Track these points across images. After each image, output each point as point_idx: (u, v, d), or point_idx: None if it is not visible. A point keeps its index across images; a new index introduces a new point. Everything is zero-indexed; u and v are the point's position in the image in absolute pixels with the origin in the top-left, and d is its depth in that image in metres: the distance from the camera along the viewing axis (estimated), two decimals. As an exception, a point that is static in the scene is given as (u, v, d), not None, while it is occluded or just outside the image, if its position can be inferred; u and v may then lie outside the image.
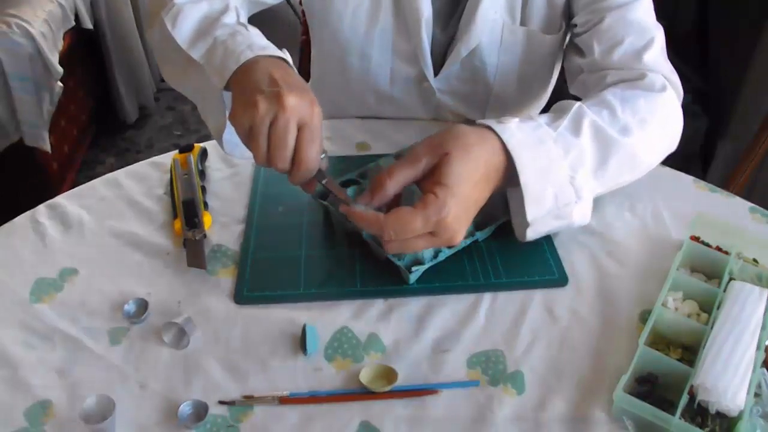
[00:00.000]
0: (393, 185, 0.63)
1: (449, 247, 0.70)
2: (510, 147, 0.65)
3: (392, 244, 0.61)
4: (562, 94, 0.96)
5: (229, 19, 0.72)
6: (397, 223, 0.60)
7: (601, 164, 0.70)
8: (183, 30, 0.71)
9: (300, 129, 0.60)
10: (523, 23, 0.86)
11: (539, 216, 0.67)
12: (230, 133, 0.67)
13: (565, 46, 0.92)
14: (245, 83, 0.62)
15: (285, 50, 0.69)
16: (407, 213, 0.60)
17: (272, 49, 0.66)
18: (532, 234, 0.69)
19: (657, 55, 0.79)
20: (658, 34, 0.80)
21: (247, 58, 0.64)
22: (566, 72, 0.91)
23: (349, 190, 0.78)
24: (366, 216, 0.62)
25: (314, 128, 0.60)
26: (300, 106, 0.59)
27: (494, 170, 0.65)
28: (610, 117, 0.71)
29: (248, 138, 0.60)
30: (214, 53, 0.67)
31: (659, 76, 0.77)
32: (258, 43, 0.66)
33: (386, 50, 0.90)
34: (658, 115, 0.75)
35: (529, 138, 0.66)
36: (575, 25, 0.85)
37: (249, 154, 0.62)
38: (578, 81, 0.86)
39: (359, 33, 0.88)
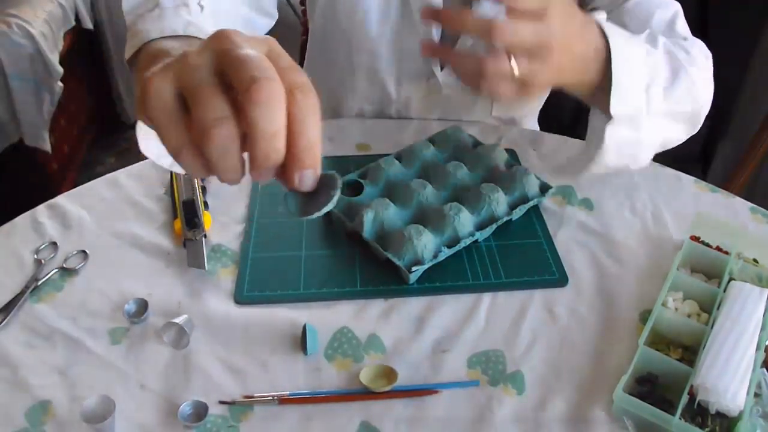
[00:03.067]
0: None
1: (449, 246, 0.70)
2: (605, 28, 0.61)
3: (499, 23, 0.52)
4: (562, 91, 0.96)
5: None
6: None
7: (671, 83, 0.67)
8: None
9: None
10: None
11: (621, 114, 0.62)
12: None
13: None
14: (146, 66, 0.44)
15: None
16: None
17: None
18: (609, 140, 0.63)
19: (685, 24, 0.79)
20: (678, 6, 0.79)
21: (174, 33, 0.48)
22: None
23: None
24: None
25: (282, 52, 0.38)
26: (248, 37, 0.38)
27: (590, 37, 0.60)
28: (675, 48, 0.70)
29: (175, 114, 0.37)
30: (143, 19, 0.52)
31: (693, 41, 0.76)
32: (202, 24, 0.52)
33: (395, 48, 0.90)
34: (707, 64, 0.74)
35: (622, 30, 0.63)
36: (594, 9, 0.84)
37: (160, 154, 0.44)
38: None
39: (369, 31, 0.88)
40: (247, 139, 0.35)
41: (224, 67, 0.36)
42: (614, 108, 0.62)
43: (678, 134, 0.72)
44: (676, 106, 0.68)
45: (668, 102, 0.67)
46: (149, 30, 0.50)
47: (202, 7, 0.58)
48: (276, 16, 0.85)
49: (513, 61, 0.54)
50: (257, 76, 0.34)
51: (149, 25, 0.51)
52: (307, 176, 0.37)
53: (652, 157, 0.71)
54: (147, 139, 0.46)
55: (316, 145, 0.36)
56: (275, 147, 0.35)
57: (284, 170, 0.36)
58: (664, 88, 0.66)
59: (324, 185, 0.38)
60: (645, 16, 0.78)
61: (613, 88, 0.60)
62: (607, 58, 0.61)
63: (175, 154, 0.37)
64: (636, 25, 0.78)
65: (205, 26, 0.52)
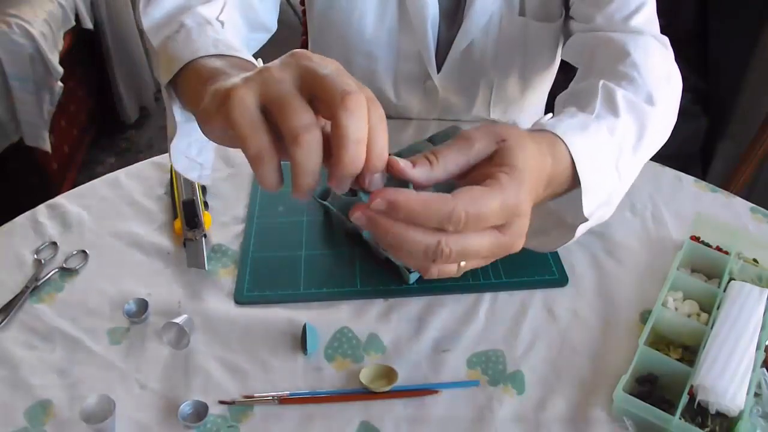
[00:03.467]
0: (439, 170, 0.45)
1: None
2: (560, 133, 0.54)
3: (452, 238, 0.42)
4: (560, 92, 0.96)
5: (208, 10, 0.60)
6: (471, 202, 0.42)
7: (639, 139, 0.62)
8: (153, 13, 0.60)
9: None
10: (521, 13, 0.86)
11: (594, 206, 0.57)
12: (182, 141, 0.56)
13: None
14: (200, 84, 0.47)
15: (260, 60, 0.57)
16: (482, 191, 0.43)
17: (243, 53, 0.53)
18: (582, 231, 0.59)
19: (648, 20, 0.76)
20: (649, 1, 0.76)
21: (207, 53, 0.50)
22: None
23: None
24: (428, 199, 0.41)
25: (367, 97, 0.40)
26: (321, 63, 0.41)
27: (556, 163, 0.53)
28: (634, 88, 0.65)
29: (230, 137, 0.41)
30: (172, 42, 0.54)
31: (648, 37, 0.73)
32: (228, 40, 0.54)
33: (392, 50, 0.90)
34: (669, 74, 0.71)
35: (574, 123, 0.57)
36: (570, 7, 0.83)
37: (203, 165, 0.53)
38: (567, 45, 0.83)
39: (366, 34, 0.88)
40: (330, 147, 0.39)
41: (310, 82, 0.40)
42: (587, 209, 0.56)
43: (648, 158, 0.66)
44: (647, 150, 0.64)
45: (638, 155, 0.63)
46: (182, 52, 0.52)
47: (222, 23, 0.60)
48: (274, 29, 0.82)
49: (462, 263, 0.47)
50: (348, 89, 0.38)
51: (182, 48, 0.53)
52: (377, 179, 0.42)
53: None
54: (178, 151, 0.55)
55: (385, 151, 0.41)
56: (360, 152, 0.39)
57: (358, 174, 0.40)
58: (633, 147, 0.62)
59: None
60: (600, 3, 0.76)
61: (583, 195, 0.55)
62: (571, 162, 0.54)
63: (255, 161, 0.40)
64: (590, 8, 0.77)
65: (232, 42, 0.54)
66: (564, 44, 0.86)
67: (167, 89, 0.55)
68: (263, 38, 0.81)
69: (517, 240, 0.47)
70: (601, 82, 0.64)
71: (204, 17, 0.58)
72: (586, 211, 0.56)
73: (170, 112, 0.56)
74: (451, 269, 0.46)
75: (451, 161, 0.46)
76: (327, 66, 0.41)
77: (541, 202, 0.53)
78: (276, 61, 0.42)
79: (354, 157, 0.39)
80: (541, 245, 0.62)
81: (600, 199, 0.57)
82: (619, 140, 0.60)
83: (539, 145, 0.52)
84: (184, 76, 0.51)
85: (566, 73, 0.92)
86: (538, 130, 0.56)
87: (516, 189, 0.45)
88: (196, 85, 0.49)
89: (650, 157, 0.66)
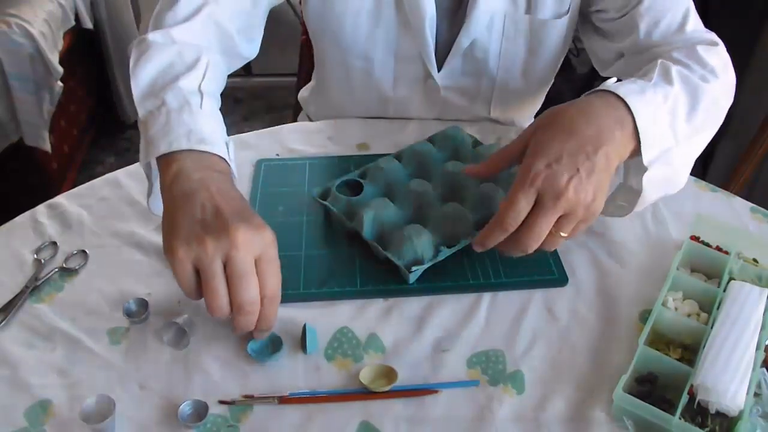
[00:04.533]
0: (488, 166, 0.68)
1: (448, 246, 0.70)
2: (621, 94, 0.64)
3: (521, 241, 0.61)
4: (559, 93, 0.96)
5: (189, 82, 0.66)
6: (505, 209, 0.59)
7: (692, 109, 0.69)
8: (141, 77, 0.67)
9: (258, 263, 0.55)
10: (527, 11, 0.86)
11: (653, 158, 0.65)
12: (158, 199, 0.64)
13: (586, 35, 0.90)
14: (177, 199, 0.57)
15: (230, 142, 0.65)
16: (509, 195, 0.60)
17: (214, 144, 0.61)
18: (647, 185, 0.66)
19: (696, 20, 0.79)
20: (689, 3, 0.80)
21: (180, 147, 0.60)
22: (596, 59, 0.90)
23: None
24: (488, 231, 0.61)
25: (273, 258, 0.57)
26: (253, 238, 0.55)
27: (606, 107, 0.64)
28: (689, 69, 0.71)
29: (193, 284, 0.55)
30: (154, 120, 0.63)
31: (705, 39, 0.78)
32: (201, 130, 0.62)
33: (389, 51, 0.90)
34: (723, 62, 0.75)
35: (633, 87, 0.66)
36: (601, 11, 0.84)
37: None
38: (618, 65, 0.85)
39: (361, 35, 0.88)
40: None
41: (227, 271, 0.54)
42: (647, 158, 0.64)
43: (707, 140, 0.73)
44: (702, 123, 0.70)
45: (693, 123, 0.69)
46: (158, 141, 0.61)
47: (202, 95, 0.66)
48: (252, 56, 0.84)
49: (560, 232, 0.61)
50: (243, 304, 0.55)
51: (158, 136, 0.61)
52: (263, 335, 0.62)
53: (688, 175, 0.72)
54: (155, 206, 0.67)
55: (270, 326, 0.59)
56: (249, 326, 0.57)
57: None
58: (687, 114, 0.68)
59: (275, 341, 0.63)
60: (657, 19, 0.78)
61: (642, 144, 0.63)
62: (632, 117, 0.63)
63: (188, 296, 0.57)
64: (648, 26, 0.79)
65: (205, 128, 0.62)
66: (600, 61, 0.89)
67: (143, 166, 0.64)
68: (243, 63, 0.83)
69: (579, 200, 0.59)
70: (659, 60, 0.72)
71: (184, 95, 0.64)
72: (645, 159, 0.64)
73: (148, 177, 0.66)
74: (556, 243, 0.62)
75: (497, 158, 0.67)
76: (246, 262, 0.54)
77: (617, 154, 0.62)
78: (213, 241, 0.54)
79: (245, 329, 0.57)
80: (615, 210, 0.73)
81: (657, 151, 0.65)
82: (672, 106, 0.67)
83: (577, 103, 0.64)
84: (161, 168, 0.61)
85: (567, 73, 0.92)
86: (600, 90, 0.66)
87: (528, 167, 0.59)
88: (163, 180, 0.60)
89: (710, 135, 0.72)
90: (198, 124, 0.62)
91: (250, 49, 0.83)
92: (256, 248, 0.55)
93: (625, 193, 0.71)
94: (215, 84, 0.71)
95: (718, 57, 0.75)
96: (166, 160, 0.60)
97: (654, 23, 0.79)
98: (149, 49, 0.68)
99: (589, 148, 0.60)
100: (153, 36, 0.70)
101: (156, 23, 0.73)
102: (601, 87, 0.66)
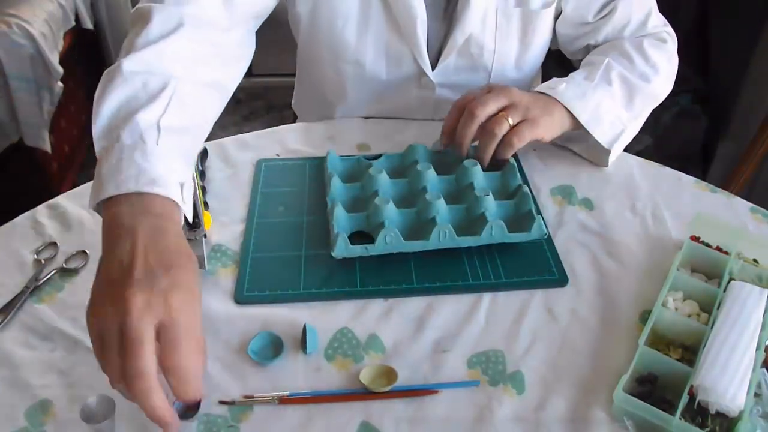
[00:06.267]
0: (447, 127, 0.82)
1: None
2: (564, 101, 0.82)
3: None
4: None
5: (147, 115, 0.60)
6: (468, 102, 0.79)
7: (629, 102, 0.86)
8: (102, 112, 0.61)
9: (160, 331, 0.50)
10: (518, 3, 0.88)
11: (589, 117, 0.82)
12: None
13: (559, 31, 0.96)
14: (103, 250, 0.54)
15: (189, 181, 0.60)
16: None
17: (165, 186, 0.56)
18: (615, 150, 0.85)
19: (657, 17, 0.93)
20: (651, 3, 0.92)
21: (128, 190, 0.55)
22: (570, 53, 1.00)
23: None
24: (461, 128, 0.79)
25: (178, 325, 0.49)
26: (153, 304, 0.49)
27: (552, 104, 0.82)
28: (631, 66, 0.87)
29: (102, 345, 0.50)
30: (107, 158, 0.58)
31: (661, 33, 0.92)
32: (153, 170, 0.56)
33: (380, 54, 0.90)
34: (667, 57, 0.90)
35: (576, 91, 0.83)
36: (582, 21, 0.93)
37: None
38: (583, 52, 0.97)
39: (350, 41, 0.88)
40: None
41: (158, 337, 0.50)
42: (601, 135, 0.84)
43: (653, 107, 0.91)
44: (638, 109, 0.87)
45: (632, 110, 0.87)
46: (108, 182, 0.56)
47: (159, 130, 0.59)
48: (252, 51, 0.80)
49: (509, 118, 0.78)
50: (128, 374, 0.49)
51: (109, 176, 0.56)
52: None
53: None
54: None
55: (188, 399, 0.51)
56: (140, 401, 0.50)
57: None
58: (624, 106, 0.86)
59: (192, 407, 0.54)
60: (624, 23, 0.91)
61: (589, 127, 0.83)
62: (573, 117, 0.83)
63: (108, 365, 0.51)
64: (614, 30, 0.92)
65: (156, 169, 0.56)
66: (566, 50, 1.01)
67: (92, 208, 0.58)
68: (243, 67, 0.78)
69: (514, 97, 0.80)
70: (606, 59, 0.87)
71: (140, 131, 0.58)
72: (602, 140, 0.84)
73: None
74: (503, 124, 0.78)
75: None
76: (144, 334, 0.48)
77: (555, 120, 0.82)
78: (111, 306, 0.50)
79: (137, 402, 0.50)
80: (584, 152, 0.89)
81: (590, 107, 0.83)
82: (610, 100, 0.85)
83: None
84: (104, 215, 0.57)
85: (565, 66, 0.95)
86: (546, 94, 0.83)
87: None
88: (106, 225, 0.56)
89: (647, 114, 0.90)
90: (150, 163, 0.57)
91: (229, 80, 0.75)
92: (155, 314, 0.49)
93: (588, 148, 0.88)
94: (182, 116, 0.63)
95: (663, 51, 0.90)
96: (107, 204, 0.56)
97: (622, 27, 0.92)
98: (114, 79, 0.63)
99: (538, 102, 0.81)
100: (125, 63, 0.63)
101: (129, 47, 0.66)
102: (550, 93, 0.83)
